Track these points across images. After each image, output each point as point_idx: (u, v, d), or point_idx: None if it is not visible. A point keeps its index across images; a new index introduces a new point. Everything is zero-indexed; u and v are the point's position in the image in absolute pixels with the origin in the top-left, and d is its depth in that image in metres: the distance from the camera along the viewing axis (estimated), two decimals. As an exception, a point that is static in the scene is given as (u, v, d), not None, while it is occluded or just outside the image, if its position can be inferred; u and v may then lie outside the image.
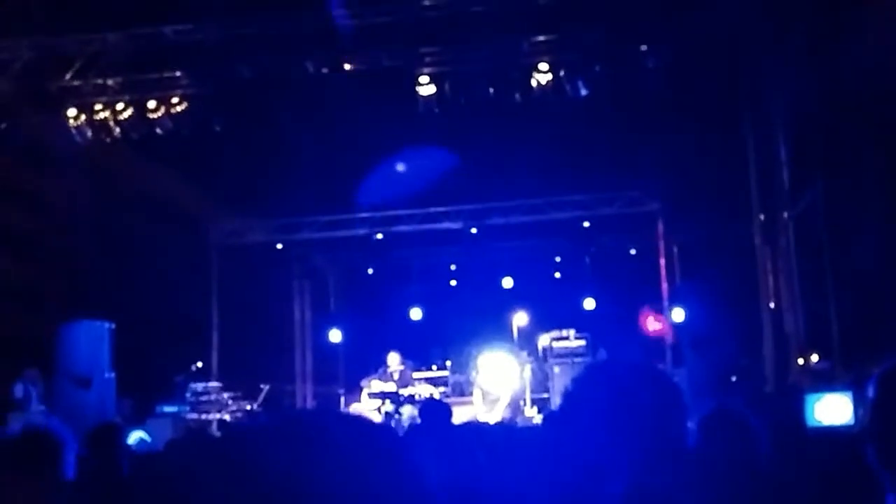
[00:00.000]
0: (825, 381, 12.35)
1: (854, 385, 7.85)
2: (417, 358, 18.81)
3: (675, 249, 21.54)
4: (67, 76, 15.66)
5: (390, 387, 16.79)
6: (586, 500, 1.94)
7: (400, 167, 18.14)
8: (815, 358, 15.14)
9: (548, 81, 14.99)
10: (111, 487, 5.22)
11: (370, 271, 23.93)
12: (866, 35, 12.10)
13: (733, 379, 14.37)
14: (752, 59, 14.94)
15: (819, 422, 7.31)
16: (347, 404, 18.65)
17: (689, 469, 1.96)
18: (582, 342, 18.79)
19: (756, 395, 13.48)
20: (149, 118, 15.86)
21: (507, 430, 7.44)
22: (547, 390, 18.18)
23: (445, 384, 18.77)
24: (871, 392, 2.56)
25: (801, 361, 15.13)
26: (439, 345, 20.63)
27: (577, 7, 14.35)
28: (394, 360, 17.23)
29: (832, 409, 7.36)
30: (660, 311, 20.95)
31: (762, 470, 2.65)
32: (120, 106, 15.93)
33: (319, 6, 14.57)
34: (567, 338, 18.94)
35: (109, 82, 15.87)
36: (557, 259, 24.27)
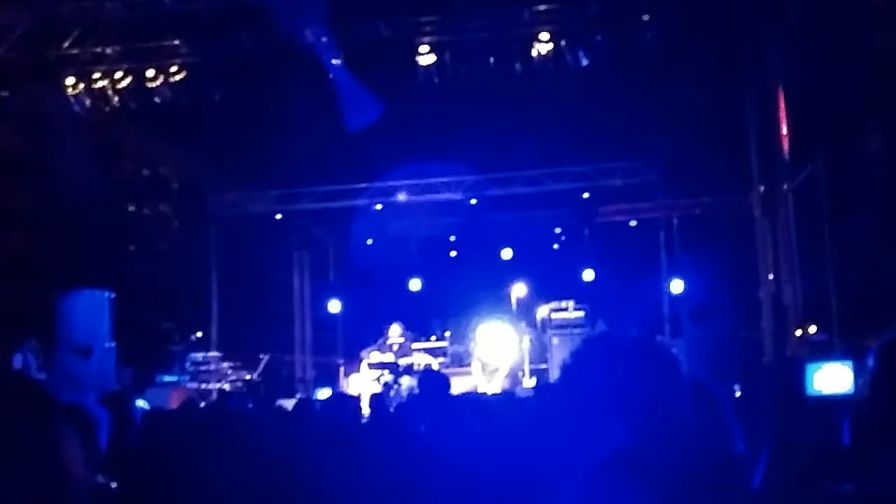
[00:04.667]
0: (823, 353, 12.38)
1: (853, 355, 7.89)
2: (417, 328, 18.86)
3: (675, 221, 21.56)
4: (65, 44, 15.57)
5: (389, 357, 16.85)
6: (578, 469, 1.95)
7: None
8: (813, 329, 15.19)
9: (548, 51, 14.91)
10: (121, 454, 5.26)
11: (369, 242, 23.94)
12: (866, 7, 12.04)
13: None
14: (753, 31, 14.86)
15: (819, 391, 7.35)
16: (347, 374, 18.74)
17: (685, 440, 1.98)
18: (581, 313, 18.83)
19: (754, 365, 13.53)
20: (148, 87, 15.78)
21: (504, 401, 7.48)
22: (545, 361, 18.24)
23: (444, 354, 18.82)
24: (870, 363, 2.58)
25: (799, 333, 15.17)
26: (438, 315, 20.68)
27: (579, -24, 14.27)
28: (395, 331, 17.28)
29: (832, 378, 7.40)
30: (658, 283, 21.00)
31: (732, 440, 2.68)
32: (118, 75, 15.84)
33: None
34: (566, 309, 18.98)
35: (108, 51, 15.77)
36: (557, 230, 24.30)
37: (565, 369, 2.12)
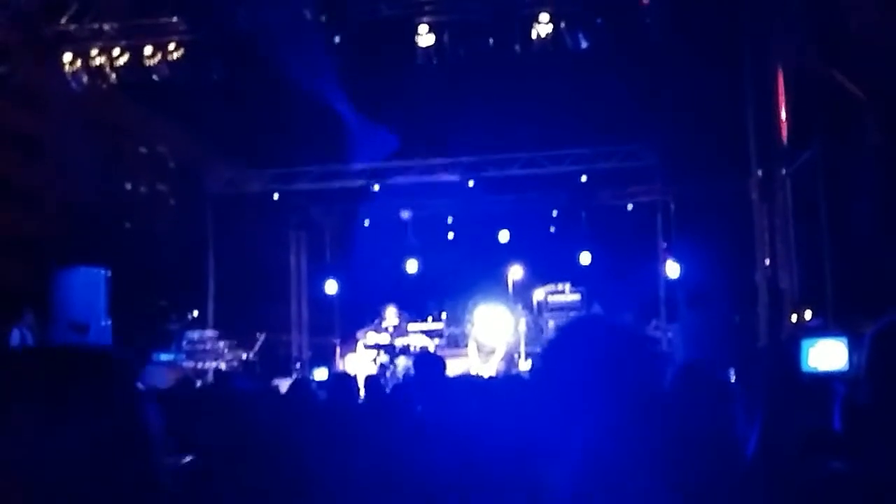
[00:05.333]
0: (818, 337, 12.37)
1: (848, 333, 7.89)
2: (413, 310, 18.89)
3: (672, 205, 21.56)
4: (63, 21, 15.49)
5: (385, 338, 16.87)
6: (558, 452, 1.97)
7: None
8: (808, 314, 15.21)
9: (548, 33, 14.86)
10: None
11: (366, 223, 23.92)
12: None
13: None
14: (753, 15, 14.82)
15: (814, 368, 7.37)
16: (343, 355, 18.77)
17: (670, 422, 1.99)
18: (577, 296, 18.88)
19: (749, 350, 13.56)
20: (145, 65, 15.72)
21: (500, 383, 7.50)
22: (541, 344, 18.28)
23: (440, 336, 18.87)
24: (866, 350, 2.58)
25: (794, 318, 15.20)
26: (435, 297, 20.70)
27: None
28: (391, 312, 17.29)
29: (827, 355, 7.40)
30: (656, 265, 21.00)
31: (735, 424, 2.69)
32: (116, 52, 15.77)
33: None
34: (562, 292, 19.03)
35: (105, 27, 15.69)
36: (554, 213, 24.27)
37: (544, 354, 2.14)
